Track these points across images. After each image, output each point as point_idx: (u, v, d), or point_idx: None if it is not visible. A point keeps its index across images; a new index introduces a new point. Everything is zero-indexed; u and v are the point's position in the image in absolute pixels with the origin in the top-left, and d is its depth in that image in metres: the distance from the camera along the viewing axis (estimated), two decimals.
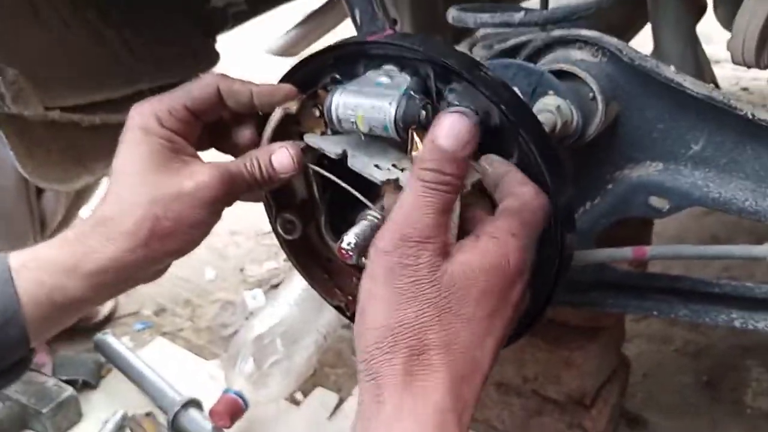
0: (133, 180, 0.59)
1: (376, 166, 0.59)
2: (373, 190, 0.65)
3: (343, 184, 0.62)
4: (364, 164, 0.59)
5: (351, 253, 0.58)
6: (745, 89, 2.73)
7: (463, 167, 0.52)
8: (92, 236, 0.58)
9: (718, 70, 2.26)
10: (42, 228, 1.44)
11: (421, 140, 0.55)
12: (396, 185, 0.58)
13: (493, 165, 0.57)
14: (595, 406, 1.15)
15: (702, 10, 1.34)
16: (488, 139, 0.59)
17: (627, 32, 1.25)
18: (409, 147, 0.56)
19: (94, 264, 0.57)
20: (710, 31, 1.23)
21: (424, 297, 0.48)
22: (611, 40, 0.70)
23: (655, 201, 0.75)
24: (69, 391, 1.33)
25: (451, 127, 0.52)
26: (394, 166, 0.59)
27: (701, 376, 1.37)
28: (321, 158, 0.66)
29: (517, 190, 0.55)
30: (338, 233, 0.69)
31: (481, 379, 0.50)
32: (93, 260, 0.57)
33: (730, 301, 0.79)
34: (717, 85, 2.18)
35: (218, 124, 0.67)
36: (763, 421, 1.26)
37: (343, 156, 0.61)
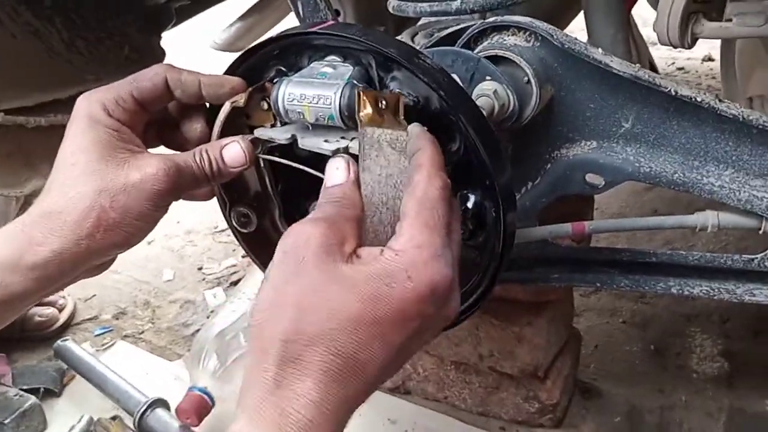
0: (79, 170, 0.58)
1: (326, 141, 0.61)
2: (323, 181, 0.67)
3: (298, 166, 0.64)
4: (314, 142, 0.61)
5: None
6: (681, 69, 2.83)
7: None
8: (36, 228, 0.56)
9: (654, 52, 2.35)
10: None
11: (368, 101, 0.57)
12: (346, 153, 0.60)
13: (412, 136, 0.57)
14: (549, 378, 1.19)
15: None
16: (430, 124, 0.62)
17: (562, 18, 1.29)
18: (356, 107, 0.58)
19: (37, 257, 0.56)
20: (648, 14, 1.28)
21: (305, 285, 0.49)
22: (542, 25, 0.73)
23: (592, 178, 0.79)
24: (31, 399, 1.31)
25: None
26: (342, 138, 0.61)
27: (649, 345, 1.43)
28: (272, 151, 0.67)
29: (413, 182, 0.53)
30: (292, 224, 0.71)
31: (360, 381, 0.48)
32: (36, 253, 0.56)
33: (667, 269, 0.84)
34: (654, 66, 2.26)
35: (166, 119, 0.67)
36: (709, 384, 1.33)
37: (293, 139, 0.63)
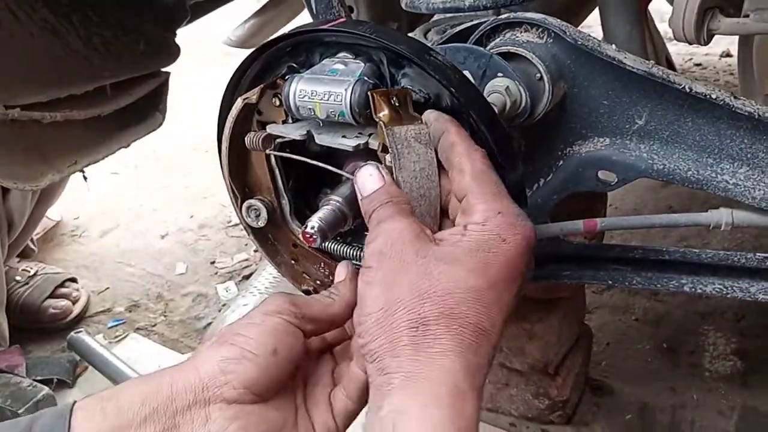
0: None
1: (344, 137, 0.62)
2: (334, 178, 0.68)
3: (313, 162, 0.65)
4: (331, 138, 0.62)
5: (315, 237, 0.61)
6: (698, 65, 2.80)
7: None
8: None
9: (672, 47, 2.33)
10: (9, 228, 1.44)
11: (383, 102, 0.58)
12: (366, 150, 0.61)
13: (431, 121, 0.60)
14: (559, 375, 1.19)
15: None
16: None
17: (578, 14, 1.28)
18: (373, 109, 0.59)
19: None
20: (665, 9, 1.27)
21: (413, 274, 0.52)
22: (555, 22, 0.73)
23: (604, 175, 0.79)
24: (44, 390, 1.33)
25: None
26: (360, 134, 0.62)
27: (661, 343, 1.42)
28: (282, 147, 0.68)
29: (454, 162, 0.57)
30: (302, 219, 0.72)
31: (488, 345, 0.52)
32: None
33: (679, 267, 0.84)
34: (671, 62, 2.24)
35: None
36: (721, 383, 1.32)
37: (309, 136, 0.63)
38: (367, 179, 0.58)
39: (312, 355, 0.64)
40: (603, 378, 1.34)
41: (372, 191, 0.58)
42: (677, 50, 2.72)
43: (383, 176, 0.58)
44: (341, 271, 0.64)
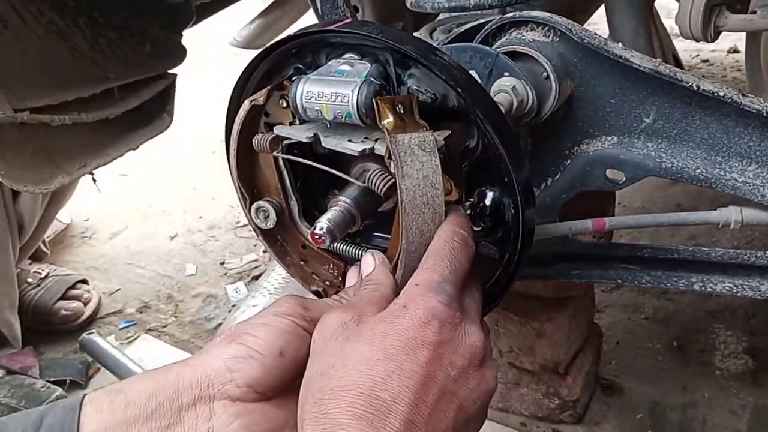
0: None
1: (350, 140, 0.61)
2: (342, 179, 0.68)
3: (319, 166, 0.65)
4: (338, 141, 0.62)
5: (324, 238, 0.61)
6: (705, 61, 2.78)
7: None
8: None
9: (679, 44, 2.32)
10: (20, 231, 1.45)
11: (387, 109, 0.58)
12: (372, 155, 0.61)
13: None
14: (569, 374, 1.19)
15: None
16: (447, 121, 0.62)
17: (584, 12, 1.28)
18: (377, 116, 0.59)
19: None
20: (672, 5, 1.27)
21: (326, 354, 0.53)
22: (561, 20, 0.72)
23: (612, 173, 0.78)
24: (58, 391, 1.34)
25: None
26: (366, 138, 0.61)
27: (672, 342, 1.42)
28: (290, 148, 0.68)
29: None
30: (311, 220, 0.72)
31: (394, 417, 0.48)
32: None
33: (688, 265, 0.83)
34: (678, 59, 2.23)
35: None
36: (732, 382, 1.31)
37: (315, 139, 0.63)
38: (365, 266, 0.62)
39: None
40: (613, 377, 1.34)
41: (365, 275, 0.61)
42: (684, 46, 2.71)
43: (376, 261, 0.62)
44: (352, 275, 0.65)
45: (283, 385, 0.58)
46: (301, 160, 0.67)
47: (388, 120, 0.58)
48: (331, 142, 0.63)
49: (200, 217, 2.10)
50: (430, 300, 0.54)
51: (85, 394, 0.57)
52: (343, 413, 0.48)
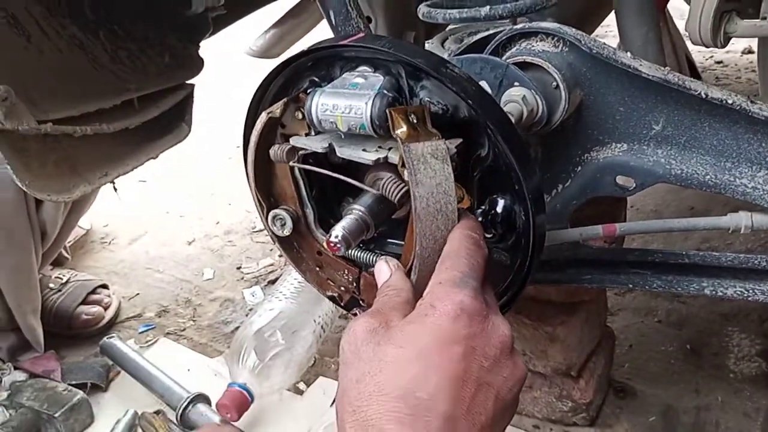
0: None
1: (364, 150, 0.63)
2: (356, 187, 0.70)
3: (335, 175, 0.66)
4: (352, 151, 0.64)
5: (339, 245, 0.63)
6: (719, 62, 2.77)
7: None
8: None
9: (692, 45, 2.30)
10: (42, 237, 1.48)
11: (400, 118, 0.60)
12: (386, 164, 0.62)
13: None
14: (582, 377, 1.19)
15: None
16: (459, 131, 0.64)
17: (593, 20, 1.29)
18: (391, 126, 0.60)
19: None
20: (685, 7, 1.27)
21: (358, 361, 0.54)
22: (569, 31, 0.74)
23: (622, 180, 0.80)
24: (79, 394, 1.37)
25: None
26: (380, 148, 0.63)
27: (685, 345, 1.42)
28: (306, 159, 0.70)
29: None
30: (326, 228, 0.74)
31: (434, 416, 0.49)
32: None
33: (699, 270, 0.84)
34: (691, 60, 2.22)
35: None
36: (746, 385, 1.31)
37: (330, 149, 0.65)
38: (380, 273, 0.63)
39: None
40: (626, 380, 1.34)
41: (382, 283, 0.62)
42: (698, 48, 2.69)
43: (392, 268, 0.63)
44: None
45: None
46: (316, 169, 0.69)
47: (402, 129, 0.60)
48: (345, 152, 0.64)
49: (217, 223, 2.13)
50: (457, 294, 0.55)
51: None
52: (384, 418, 0.49)
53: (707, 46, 0.91)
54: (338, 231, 0.63)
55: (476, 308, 0.54)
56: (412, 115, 0.60)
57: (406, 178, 0.60)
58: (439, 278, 0.57)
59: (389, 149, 0.63)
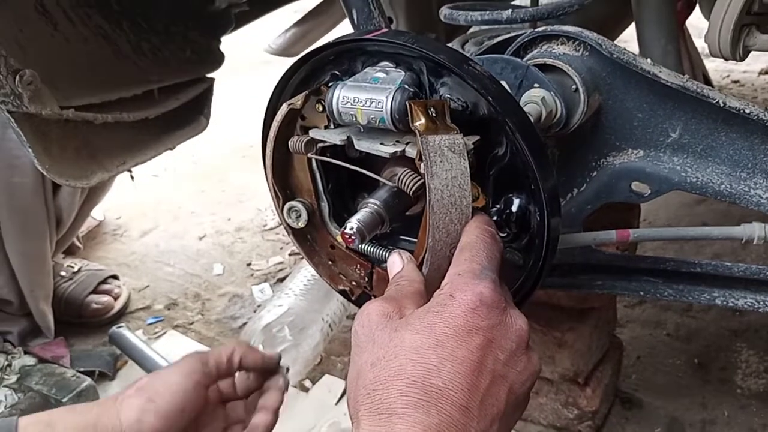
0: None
1: (382, 143, 0.64)
2: (371, 182, 0.70)
3: (351, 167, 0.67)
4: (370, 144, 0.64)
5: (353, 237, 0.63)
6: (736, 82, 2.76)
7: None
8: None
9: (709, 64, 2.31)
10: (58, 224, 1.50)
11: (420, 111, 0.60)
12: (403, 158, 0.63)
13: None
14: (589, 385, 1.19)
15: (691, 6, 1.38)
16: (477, 129, 0.65)
17: (614, 29, 1.29)
18: (410, 118, 0.61)
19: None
20: (703, 25, 1.28)
21: (373, 345, 0.54)
22: (591, 35, 0.74)
23: (637, 186, 0.80)
24: (87, 381, 1.38)
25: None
26: (398, 141, 0.64)
27: (693, 359, 1.41)
28: (323, 151, 0.70)
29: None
30: (340, 222, 0.75)
31: (447, 404, 0.49)
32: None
33: (711, 280, 0.84)
34: (708, 78, 2.22)
35: None
36: (753, 401, 1.30)
37: (348, 141, 0.66)
38: (392, 265, 0.64)
39: (208, 404, 0.83)
40: (633, 391, 1.34)
41: (394, 274, 0.63)
42: (715, 66, 2.69)
43: (404, 259, 0.64)
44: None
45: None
46: (333, 161, 0.69)
47: (420, 122, 0.60)
48: (363, 145, 0.65)
49: (228, 219, 2.14)
50: (477, 286, 0.55)
51: (19, 418, 0.70)
52: (398, 402, 0.49)
53: (726, 59, 0.91)
54: (353, 223, 0.64)
55: (495, 300, 0.55)
56: (432, 109, 0.61)
57: (422, 172, 0.61)
58: (459, 269, 0.57)
59: (407, 143, 0.64)
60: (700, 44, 2.08)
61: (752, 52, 0.92)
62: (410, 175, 0.64)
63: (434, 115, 0.61)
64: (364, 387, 0.51)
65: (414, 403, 0.49)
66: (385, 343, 0.53)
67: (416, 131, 0.60)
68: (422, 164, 0.60)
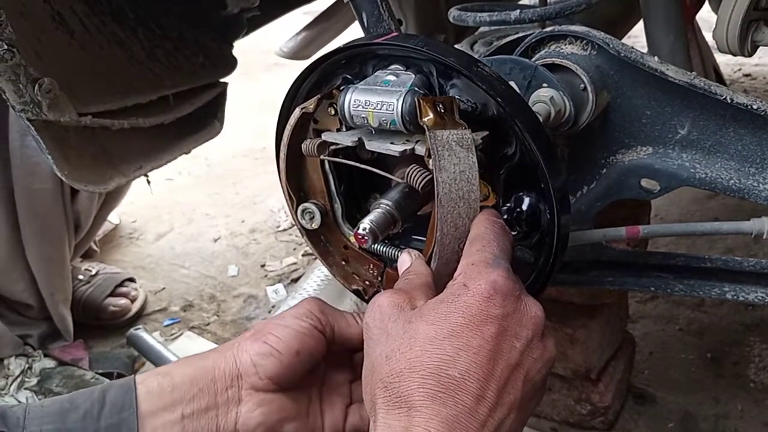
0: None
1: (392, 143, 0.65)
2: (383, 183, 0.71)
3: (363, 166, 0.68)
4: (380, 144, 0.66)
5: (366, 237, 0.65)
6: (747, 75, 2.75)
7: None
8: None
9: (720, 58, 2.31)
10: (76, 229, 1.52)
11: (428, 107, 0.61)
12: (413, 156, 0.64)
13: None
14: (601, 381, 1.20)
15: (701, 1, 1.39)
16: (488, 129, 0.66)
17: (621, 27, 1.30)
18: (419, 114, 0.62)
19: None
20: (713, 18, 1.28)
21: (387, 337, 0.55)
22: (598, 34, 0.75)
23: (647, 183, 0.81)
24: (106, 383, 1.39)
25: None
26: (407, 141, 0.65)
27: (705, 353, 1.41)
28: (336, 154, 0.72)
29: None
30: (353, 222, 0.76)
31: (465, 394, 0.50)
32: None
33: (722, 275, 0.85)
34: (719, 72, 2.21)
35: None
36: (766, 395, 1.31)
37: (360, 143, 0.67)
38: (402, 263, 0.65)
39: (334, 358, 0.72)
40: (645, 386, 1.34)
41: (403, 270, 0.64)
42: (726, 60, 2.68)
43: (413, 256, 0.65)
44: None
45: (299, 379, 0.67)
46: (346, 161, 0.71)
47: (429, 117, 0.61)
48: (374, 145, 0.66)
49: (242, 221, 2.17)
50: (491, 274, 0.55)
51: (135, 375, 0.66)
52: (416, 394, 0.49)
53: (734, 54, 0.91)
54: (366, 223, 0.65)
55: (509, 288, 0.55)
56: (440, 105, 0.62)
57: (431, 166, 0.62)
58: (471, 259, 0.57)
59: (416, 142, 0.65)
60: (709, 38, 2.08)
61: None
62: (418, 171, 0.65)
63: (443, 111, 0.62)
64: (380, 380, 0.52)
65: (431, 395, 0.49)
66: (399, 335, 0.53)
67: (425, 126, 0.61)
68: (431, 160, 0.61)
